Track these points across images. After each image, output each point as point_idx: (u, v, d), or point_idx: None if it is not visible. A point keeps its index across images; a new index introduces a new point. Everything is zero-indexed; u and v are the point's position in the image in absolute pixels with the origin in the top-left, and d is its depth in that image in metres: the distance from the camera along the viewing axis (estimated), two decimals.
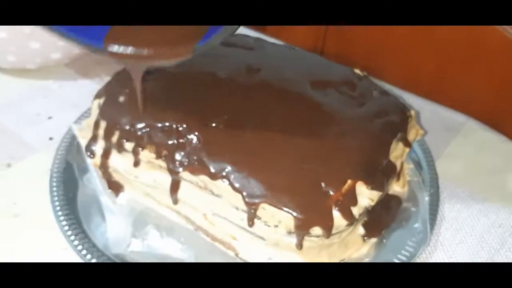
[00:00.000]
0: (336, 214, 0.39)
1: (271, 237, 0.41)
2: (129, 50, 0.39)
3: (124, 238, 0.44)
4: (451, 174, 0.51)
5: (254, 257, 0.43)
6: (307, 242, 0.40)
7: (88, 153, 0.47)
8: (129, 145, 0.44)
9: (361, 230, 0.44)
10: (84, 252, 0.42)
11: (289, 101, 0.45)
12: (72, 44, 0.40)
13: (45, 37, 0.53)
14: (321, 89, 0.46)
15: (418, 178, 0.49)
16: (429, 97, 0.61)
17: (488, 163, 0.53)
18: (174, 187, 0.43)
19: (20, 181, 0.50)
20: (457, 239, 0.46)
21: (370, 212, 0.43)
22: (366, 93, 0.47)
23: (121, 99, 0.46)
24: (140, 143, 0.44)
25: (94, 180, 0.47)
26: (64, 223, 0.44)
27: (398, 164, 0.45)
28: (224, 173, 0.41)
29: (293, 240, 0.40)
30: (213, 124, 0.43)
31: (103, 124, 0.46)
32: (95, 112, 0.47)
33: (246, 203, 0.40)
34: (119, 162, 0.46)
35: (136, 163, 0.44)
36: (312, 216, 0.39)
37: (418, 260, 0.44)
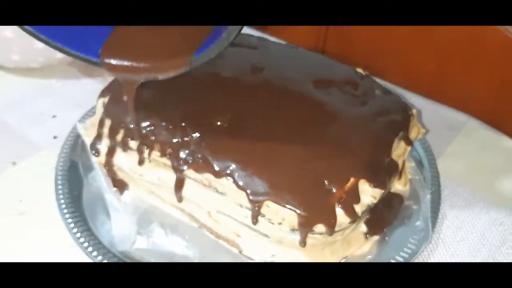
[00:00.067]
0: (339, 211, 0.40)
1: (275, 235, 0.41)
2: (125, 63, 0.39)
3: (129, 235, 0.44)
4: (453, 173, 0.52)
5: (258, 254, 0.43)
6: (310, 239, 0.41)
7: (93, 152, 0.47)
8: (133, 144, 0.45)
9: (363, 227, 0.45)
10: (90, 249, 0.42)
11: (292, 100, 0.46)
12: (70, 60, 0.40)
13: None
14: (324, 88, 0.47)
15: (420, 176, 0.49)
16: (430, 96, 0.62)
17: (489, 162, 0.54)
18: (179, 185, 0.44)
19: (25, 179, 0.50)
20: (458, 236, 0.47)
21: (372, 210, 0.43)
22: (368, 92, 0.47)
23: (126, 97, 0.46)
24: (144, 142, 0.44)
25: (99, 178, 0.47)
26: (69, 220, 0.44)
27: (400, 163, 0.45)
28: (228, 171, 0.41)
29: (297, 237, 0.41)
30: (218, 123, 0.43)
31: (108, 123, 0.46)
32: (99, 111, 0.47)
33: (250, 201, 0.40)
34: (124, 161, 0.46)
35: (141, 161, 0.45)
36: (316, 213, 0.40)
37: (420, 258, 0.44)
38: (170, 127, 0.43)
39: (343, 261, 0.44)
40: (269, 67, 0.49)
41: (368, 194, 0.41)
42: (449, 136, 0.57)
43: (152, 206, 0.47)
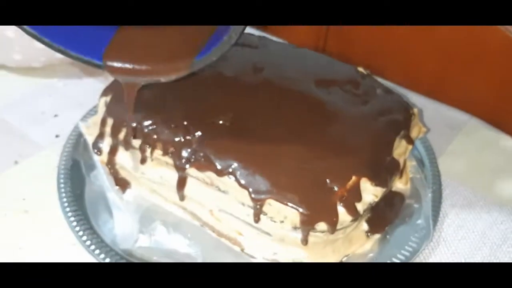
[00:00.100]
0: (341, 209, 0.40)
1: (276, 233, 0.42)
2: (128, 65, 0.39)
3: (131, 234, 0.44)
4: (453, 172, 0.52)
5: (260, 252, 0.43)
6: (312, 237, 0.41)
7: (95, 150, 0.47)
8: (136, 142, 0.45)
9: (365, 226, 0.45)
10: (92, 247, 0.43)
11: (294, 99, 0.46)
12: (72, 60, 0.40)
13: None
14: (325, 87, 0.47)
15: (421, 175, 0.49)
16: (431, 96, 0.62)
17: (490, 161, 0.54)
18: (181, 183, 0.44)
19: (28, 178, 0.50)
20: (459, 235, 0.47)
21: (373, 208, 0.43)
22: (369, 91, 0.48)
23: (126, 99, 0.46)
24: (147, 140, 0.44)
25: (101, 177, 0.47)
26: (72, 219, 0.44)
27: (401, 161, 0.46)
28: (230, 170, 0.41)
29: (299, 235, 0.41)
30: (220, 122, 0.43)
31: (110, 122, 0.46)
32: (102, 110, 0.47)
33: (252, 199, 0.40)
34: (126, 159, 0.46)
35: (143, 160, 0.45)
36: (317, 211, 0.40)
37: (421, 256, 0.45)
38: (172, 126, 0.43)
39: (344, 259, 0.44)
40: (270, 66, 0.49)
41: (370, 192, 0.41)
42: (450, 135, 0.57)
43: (154, 204, 0.47)
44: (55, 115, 0.57)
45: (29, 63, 0.60)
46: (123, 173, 0.47)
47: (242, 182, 0.41)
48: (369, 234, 0.45)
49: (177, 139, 0.43)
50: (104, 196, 0.47)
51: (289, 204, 0.40)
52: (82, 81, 0.62)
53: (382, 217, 0.46)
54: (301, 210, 0.39)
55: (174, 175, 0.44)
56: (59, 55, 0.58)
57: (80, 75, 0.62)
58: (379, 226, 0.45)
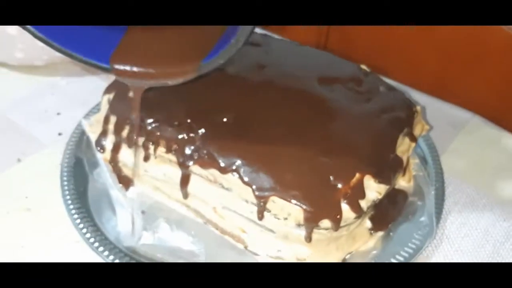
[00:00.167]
0: (344, 207, 0.40)
1: (280, 230, 0.42)
2: (135, 69, 0.39)
3: (135, 231, 0.44)
4: (456, 169, 0.52)
5: (263, 249, 0.43)
6: (316, 234, 0.41)
7: (98, 148, 0.47)
8: (139, 140, 0.45)
9: (368, 223, 0.45)
10: (96, 244, 0.42)
11: (297, 97, 0.46)
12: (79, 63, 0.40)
13: None
14: (328, 85, 0.47)
15: (424, 172, 0.49)
16: (433, 94, 0.62)
17: (492, 159, 0.54)
18: (184, 181, 0.44)
19: (31, 176, 0.50)
20: (462, 232, 0.47)
21: (377, 206, 0.43)
22: (372, 89, 0.48)
23: (131, 94, 0.46)
24: (150, 138, 0.44)
25: (104, 175, 0.47)
26: (75, 216, 0.44)
27: (404, 159, 0.46)
28: (234, 167, 0.41)
29: (302, 232, 0.41)
30: (223, 119, 0.43)
31: (113, 119, 0.46)
32: (105, 107, 0.47)
33: (256, 196, 0.40)
34: (129, 157, 0.46)
35: (146, 158, 0.45)
36: (321, 209, 0.40)
37: (424, 253, 0.44)
38: (176, 123, 0.43)
39: (348, 256, 0.44)
40: (273, 64, 0.49)
41: (373, 189, 0.41)
42: (452, 133, 0.57)
43: (157, 202, 0.47)
44: (58, 113, 0.57)
45: (31, 62, 0.60)
46: (126, 171, 0.47)
47: (246, 179, 0.41)
48: (372, 231, 0.45)
49: (180, 136, 0.43)
50: (108, 194, 0.47)
51: (292, 201, 0.40)
52: (85, 79, 0.62)
53: (385, 214, 0.46)
54: (305, 207, 0.39)
55: (177, 173, 0.44)
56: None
57: (83, 73, 0.62)
58: (382, 223, 0.45)
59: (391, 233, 0.45)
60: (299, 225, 0.40)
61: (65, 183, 0.47)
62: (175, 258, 0.43)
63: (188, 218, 0.46)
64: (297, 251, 0.42)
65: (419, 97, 0.59)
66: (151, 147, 0.44)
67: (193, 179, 0.44)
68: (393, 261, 0.43)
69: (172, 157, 0.44)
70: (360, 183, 0.41)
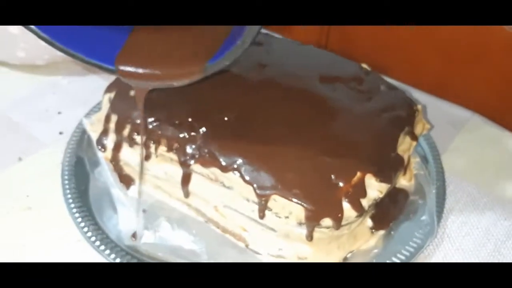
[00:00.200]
0: (346, 205, 0.40)
1: (281, 229, 0.42)
2: (140, 70, 0.39)
3: (136, 230, 0.44)
4: (457, 168, 0.52)
5: (265, 248, 0.43)
6: (317, 233, 0.41)
7: (99, 147, 0.47)
8: (140, 139, 0.45)
9: (369, 222, 0.45)
10: (97, 243, 0.43)
11: (298, 96, 0.46)
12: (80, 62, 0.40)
13: None
14: (330, 84, 0.47)
15: (425, 171, 0.50)
16: (434, 93, 0.62)
17: (493, 157, 0.54)
18: (185, 179, 0.44)
19: (32, 174, 0.50)
20: (463, 231, 0.47)
21: (378, 204, 0.43)
22: (373, 88, 0.48)
23: (132, 93, 0.46)
24: (151, 137, 0.44)
25: (105, 173, 0.48)
26: (77, 215, 0.45)
27: (405, 158, 0.46)
28: (235, 166, 0.41)
29: (304, 231, 0.41)
30: (224, 118, 0.43)
31: (114, 118, 0.46)
32: (106, 106, 0.47)
33: (257, 195, 0.40)
34: (130, 156, 0.46)
35: (147, 157, 0.45)
36: (323, 207, 0.40)
37: (425, 252, 0.45)
38: (177, 122, 0.43)
39: (349, 255, 0.44)
40: (274, 63, 0.49)
41: (375, 188, 0.41)
42: (453, 132, 0.57)
43: (158, 201, 0.47)
44: (59, 113, 0.57)
45: (32, 61, 0.60)
46: (127, 170, 0.47)
47: (247, 178, 0.41)
48: (373, 230, 0.45)
49: (181, 135, 0.43)
50: (109, 193, 0.47)
51: (294, 199, 0.40)
52: (86, 78, 0.62)
53: (387, 213, 0.46)
54: (306, 205, 0.39)
55: (178, 171, 0.44)
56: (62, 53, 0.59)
57: (84, 73, 0.62)
58: (383, 222, 0.45)
59: (392, 232, 0.45)
60: (300, 223, 0.40)
61: (66, 182, 0.47)
62: (176, 257, 0.43)
63: (189, 217, 0.46)
64: (298, 249, 0.42)
65: (419, 96, 0.59)
66: (152, 146, 0.44)
67: (194, 177, 0.44)
68: (394, 259, 0.43)
69: (173, 156, 0.44)
70: (361, 182, 0.41)
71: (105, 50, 0.40)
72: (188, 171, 0.43)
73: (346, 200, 0.40)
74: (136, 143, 0.45)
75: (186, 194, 0.45)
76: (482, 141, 0.56)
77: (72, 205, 0.45)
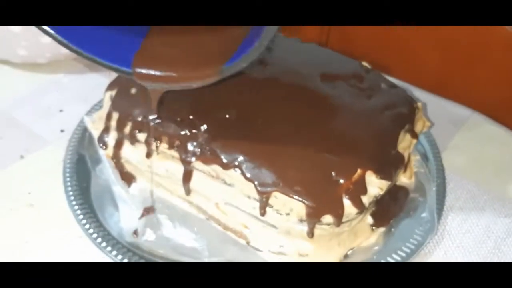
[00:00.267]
0: (346, 202, 0.40)
1: (282, 225, 0.42)
2: (157, 73, 0.39)
3: (137, 227, 0.44)
4: (457, 166, 0.52)
5: (266, 245, 0.44)
6: (318, 230, 0.41)
7: (101, 144, 0.47)
8: (141, 136, 0.45)
9: (369, 219, 0.45)
10: (99, 240, 0.43)
11: (299, 93, 0.46)
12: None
13: None
14: (330, 82, 0.47)
15: (425, 169, 0.50)
16: (434, 91, 0.62)
17: (493, 155, 0.54)
18: (187, 177, 0.44)
19: (34, 172, 0.50)
20: (463, 228, 0.47)
21: (378, 202, 0.43)
22: (374, 86, 0.48)
23: (133, 90, 0.47)
24: (152, 134, 0.44)
25: (106, 171, 0.48)
26: (78, 212, 0.45)
27: (405, 155, 0.46)
28: (236, 163, 0.41)
29: (304, 228, 0.41)
30: (226, 116, 0.43)
31: (115, 116, 0.46)
32: (107, 104, 0.48)
33: (258, 192, 0.41)
34: (132, 153, 0.46)
35: (149, 154, 0.45)
36: (323, 204, 0.40)
37: (425, 249, 0.45)
38: (178, 119, 0.44)
39: (349, 252, 0.44)
40: (276, 61, 0.49)
41: (375, 185, 0.42)
42: (453, 130, 0.57)
43: (159, 198, 0.47)
44: (60, 110, 0.58)
45: (34, 59, 0.60)
46: (128, 167, 0.48)
47: (248, 175, 0.41)
48: (374, 227, 0.45)
49: (183, 132, 0.43)
50: (110, 190, 0.47)
51: (295, 196, 0.40)
52: (87, 76, 0.62)
53: (387, 210, 0.46)
54: (307, 202, 0.40)
55: (180, 169, 0.44)
56: (64, 51, 0.58)
57: (85, 71, 0.63)
58: (384, 219, 0.46)
59: (392, 229, 0.45)
60: (301, 220, 0.40)
61: (68, 179, 0.47)
62: (177, 254, 0.43)
63: (190, 214, 0.46)
64: (299, 246, 0.42)
65: (419, 94, 0.59)
66: (154, 143, 0.44)
67: (195, 175, 0.44)
68: (395, 256, 0.43)
69: (174, 153, 0.44)
70: (362, 179, 0.41)
71: (121, 53, 0.40)
72: (189, 169, 0.44)
73: (347, 197, 0.40)
74: (137, 141, 0.45)
75: (187, 192, 0.45)
76: (482, 139, 0.56)
77: (74, 202, 0.46)
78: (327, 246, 0.43)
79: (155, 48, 0.40)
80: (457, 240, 0.46)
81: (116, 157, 0.47)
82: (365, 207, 0.41)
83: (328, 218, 0.40)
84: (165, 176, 0.46)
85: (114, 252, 0.42)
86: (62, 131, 0.55)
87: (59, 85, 0.61)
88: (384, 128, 0.44)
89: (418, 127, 0.48)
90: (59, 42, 0.38)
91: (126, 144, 0.46)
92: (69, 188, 0.47)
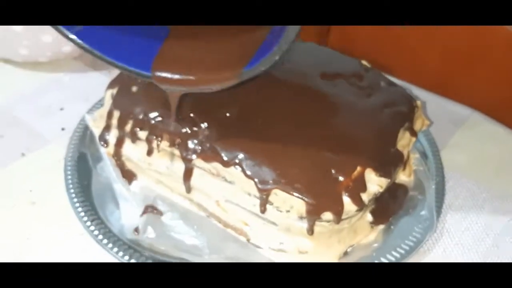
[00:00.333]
0: (346, 199, 0.40)
1: (282, 222, 0.42)
2: (177, 76, 0.39)
3: (138, 224, 0.44)
4: (456, 164, 0.52)
5: (266, 242, 0.44)
6: (318, 227, 0.41)
7: (102, 142, 0.48)
8: (142, 134, 0.45)
9: (369, 217, 0.45)
10: (100, 237, 0.43)
11: (299, 92, 0.46)
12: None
13: None
14: (330, 80, 0.48)
15: (424, 167, 0.50)
16: (434, 91, 0.62)
17: (492, 154, 0.55)
18: (187, 174, 0.44)
19: (35, 170, 0.51)
20: (462, 226, 0.47)
21: (378, 199, 0.44)
22: (373, 84, 0.48)
23: (134, 89, 0.47)
24: (153, 132, 0.45)
25: (107, 169, 0.48)
26: (80, 209, 0.45)
27: (405, 153, 0.46)
28: (236, 160, 0.42)
29: (304, 225, 0.41)
30: (226, 114, 0.44)
31: (116, 114, 0.47)
32: (108, 102, 0.48)
33: (259, 189, 0.41)
34: (133, 151, 0.47)
35: (150, 152, 0.45)
36: (323, 201, 0.40)
37: (424, 246, 0.45)
38: (179, 117, 0.44)
39: (349, 249, 0.44)
40: None
41: (375, 183, 0.42)
42: (452, 128, 0.57)
43: (160, 195, 0.47)
44: (61, 109, 0.58)
45: (35, 58, 0.60)
46: (129, 165, 0.48)
47: (248, 172, 0.41)
48: (373, 225, 0.45)
49: (183, 130, 0.43)
50: (111, 188, 0.47)
51: (295, 194, 0.40)
52: (87, 75, 0.62)
53: (386, 208, 0.46)
54: (307, 199, 0.40)
55: (180, 166, 0.44)
56: (65, 50, 0.59)
57: (85, 69, 0.63)
58: (383, 217, 0.46)
59: (392, 227, 0.46)
60: (301, 217, 0.41)
61: (69, 177, 0.48)
62: (178, 251, 0.43)
63: (191, 212, 0.46)
64: (299, 243, 0.43)
65: (419, 93, 0.60)
66: (155, 141, 0.45)
67: (196, 172, 0.44)
68: (394, 253, 0.43)
69: (175, 150, 0.44)
70: (362, 176, 0.41)
71: (140, 57, 0.40)
72: (190, 166, 0.44)
73: (347, 194, 0.40)
74: (138, 139, 0.46)
75: (188, 189, 0.45)
76: (481, 138, 0.56)
77: (75, 200, 0.46)
78: (327, 243, 0.43)
79: (174, 51, 0.40)
80: (456, 238, 0.46)
81: (117, 155, 0.48)
82: (364, 205, 0.41)
83: (328, 215, 0.40)
84: (165, 174, 0.46)
85: (115, 249, 0.42)
86: (63, 129, 0.55)
87: (60, 83, 0.61)
88: (383, 126, 0.45)
89: (418, 125, 0.48)
90: (83, 48, 0.39)
91: (127, 142, 0.47)
92: (70, 186, 0.47)
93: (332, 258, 0.43)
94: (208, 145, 0.43)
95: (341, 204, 0.40)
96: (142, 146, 0.46)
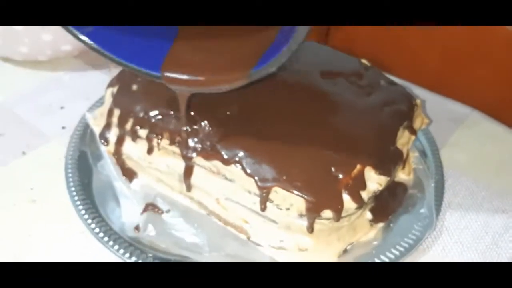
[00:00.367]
0: (346, 197, 0.41)
1: (282, 220, 0.42)
2: (186, 77, 0.40)
3: (139, 222, 0.45)
4: (456, 163, 0.53)
5: (266, 240, 0.44)
6: (318, 225, 0.41)
7: (102, 141, 0.48)
8: (142, 132, 0.45)
9: (368, 215, 0.46)
10: (101, 235, 0.43)
11: (300, 90, 0.46)
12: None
13: (57, 29, 0.54)
14: (330, 79, 0.48)
15: (424, 166, 0.50)
16: (434, 89, 0.62)
17: (492, 152, 0.55)
18: (188, 172, 0.44)
19: (36, 168, 0.51)
20: (462, 224, 0.48)
21: (377, 197, 0.44)
22: (373, 83, 0.48)
23: (134, 87, 0.47)
24: (153, 130, 0.45)
25: (108, 167, 0.48)
26: (80, 207, 0.45)
27: (404, 151, 0.46)
28: (236, 158, 0.42)
29: (304, 223, 0.41)
30: (227, 112, 0.44)
31: (116, 112, 0.47)
32: (108, 101, 0.48)
33: (259, 187, 0.41)
34: (133, 149, 0.47)
35: (150, 150, 0.45)
36: (323, 199, 0.40)
37: (424, 244, 0.45)
38: (179, 115, 0.44)
39: (349, 247, 0.44)
40: None
41: (374, 181, 0.42)
42: (452, 127, 0.57)
43: (160, 193, 0.47)
44: (62, 107, 0.58)
45: (35, 57, 0.60)
46: (129, 163, 0.48)
47: (249, 170, 0.41)
48: (373, 222, 0.46)
49: (184, 128, 0.43)
50: (112, 186, 0.47)
51: (295, 191, 0.40)
52: (88, 73, 0.62)
53: (386, 206, 0.47)
54: (307, 197, 0.40)
55: (181, 164, 0.44)
56: (65, 49, 0.59)
57: (85, 68, 0.63)
58: (382, 215, 0.46)
59: (391, 225, 0.46)
60: (301, 215, 0.41)
61: (70, 175, 0.48)
62: (178, 248, 0.43)
63: (191, 210, 0.46)
64: (299, 241, 0.43)
65: (418, 92, 0.60)
66: (155, 140, 0.45)
67: (196, 170, 0.44)
68: (393, 251, 0.43)
69: (175, 149, 0.44)
70: (361, 174, 0.41)
71: (150, 58, 0.40)
72: (190, 164, 0.44)
73: (346, 192, 0.41)
74: (138, 137, 0.46)
75: (188, 187, 0.45)
76: (481, 136, 0.57)
77: (76, 198, 0.46)
78: (326, 241, 0.43)
79: (183, 52, 0.41)
80: (455, 236, 0.47)
81: (117, 153, 0.48)
82: (364, 202, 0.41)
83: (327, 213, 0.40)
84: (166, 172, 0.46)
85: (116, 247, 0.42)
86: (63, 127, 0.55)
87: (60, 82, 0.61)
88: (383, 124, 0.45)
89: (417, 123, 0.48)
90: (93, 49, 0.39)
91: (128, 140, 0.47)
92: (71, 184, 0.47)
93: (331, 255, 0.43)
94: (208, 143, 0.43)
95: (340, 202, 0.40)
96: (143, 145, 0.46)
